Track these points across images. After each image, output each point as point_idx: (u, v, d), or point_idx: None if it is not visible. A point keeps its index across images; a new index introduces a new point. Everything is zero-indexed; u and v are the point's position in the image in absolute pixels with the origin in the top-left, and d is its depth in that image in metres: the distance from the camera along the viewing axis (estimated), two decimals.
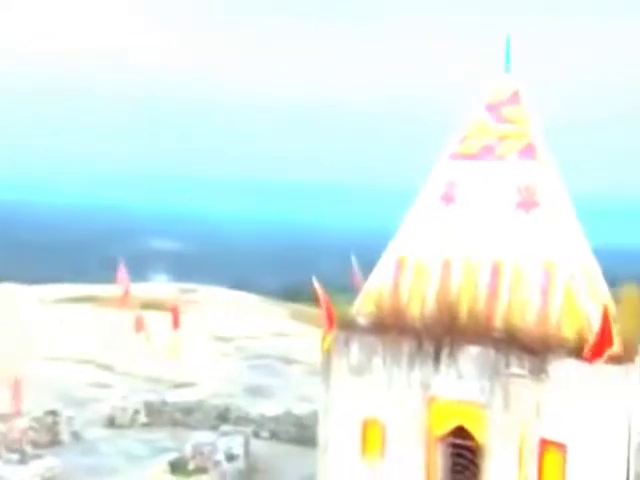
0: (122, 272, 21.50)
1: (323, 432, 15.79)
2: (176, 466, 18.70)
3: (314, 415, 23.64)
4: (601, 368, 13.41)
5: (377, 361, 15.14)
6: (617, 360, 13.46)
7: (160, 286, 60.23)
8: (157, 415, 24.99)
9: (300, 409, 24.49)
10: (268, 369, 33.45)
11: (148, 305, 49.97)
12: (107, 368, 33.19)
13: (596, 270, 16.20)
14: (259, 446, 22.43)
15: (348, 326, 15.41)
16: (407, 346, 14.87)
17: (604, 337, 13.26)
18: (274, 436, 23.72)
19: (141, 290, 58.42)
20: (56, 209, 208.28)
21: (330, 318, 15.25)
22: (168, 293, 52.03)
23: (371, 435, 15.28)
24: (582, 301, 14.47)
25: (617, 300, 15.58)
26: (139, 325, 21.58)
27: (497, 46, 16.46)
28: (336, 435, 15.54)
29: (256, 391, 29.02)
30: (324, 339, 15.35)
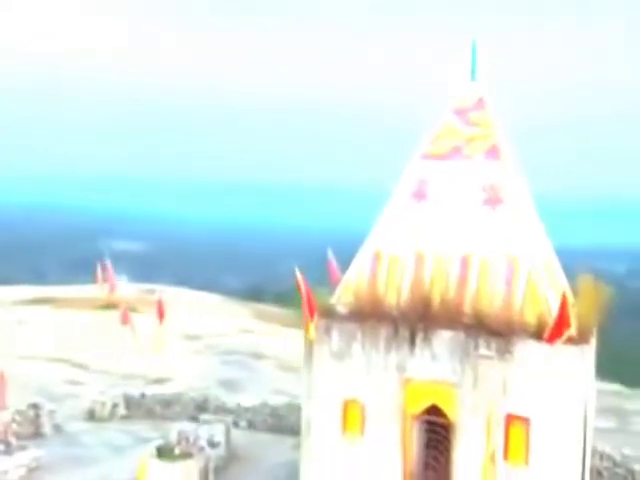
0: (108, 270, 22.66)
1: (306, 413, 17.23)
2: (162, 451, 19.99)
3: (289, 406, 25.29)
4: (560, 348, 15.09)
5: (356, 346, 16.64)
6: (574, 341, 15.14)
7: (122, 286, 60.97)
8: (136, 408, 26.23)
9: (275, 400, 25.95)
10: (239, 364, 34.87)
11: (112, 305, 51.40)
12: (80, 366, 34.22)
13: (555, 262, 17.96)
14: (238, 435, 23.79)
15: (329, 314, 16.90)
16: (384, 332, 16.41)
17: (562, 320, 14.95)
18: (251, 426, 25.14)
19: (103, 291, 59.59)
20: (12, 209, 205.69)
21: (311, 307, 16.70)
22: (130, 293, 53.10)
23: (351, 415, 16.76)
24: (542, 289, 16.16)
25: (574, 291, 17.34)
26: (125, 319, 22.83)
27: (467, 52, 18.04)
28: (318, 415, 17.00)
29: (230, 385, 30.42)
30: (307, 328, 16.78)
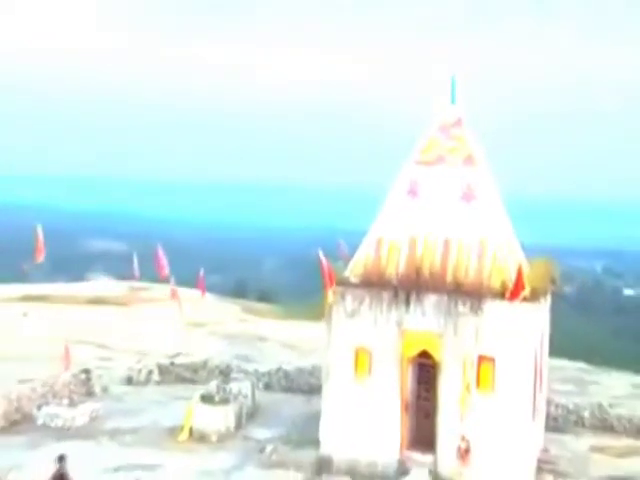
0: (163, 261, 28.87)
1: (326, 360, 23.82)
2: (205, 398, 26.46)
3: (299, 370, 31.88)
4: (517, 305, 21.80)
5: (365, 307, 23.25)
6: (528, 300, 21.87)
7: (110, 284, 66.99)
8: (168, 374, 32.68)
9: (287, 367, 32.52)
10: (246, 344, 41.42)
11: (99, 300, 57.49)
12: (102, 346, 40.41)
13: (515, 242, 24.79)
14: (257, 394, 30.24)
15: (344, 283, 23.50)
16: (386, 296, 23.05)
17: (519, 285, 21.68)
18: (268, 387, 31.70)
19: (91, 288, 65.90)
20: None
21: (330, 279, 23.27)
22: (119, 290, 59.15)
23: (361, 360, 23.35)
24: (505, 263, 22.92)
25: (531, 266, 24.13)
26: (173, 295, 29.41)
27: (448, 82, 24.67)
28: (336, 361, 23.59)
29: (243, 358, 36.91)
30: (327, 294, 23.34)
